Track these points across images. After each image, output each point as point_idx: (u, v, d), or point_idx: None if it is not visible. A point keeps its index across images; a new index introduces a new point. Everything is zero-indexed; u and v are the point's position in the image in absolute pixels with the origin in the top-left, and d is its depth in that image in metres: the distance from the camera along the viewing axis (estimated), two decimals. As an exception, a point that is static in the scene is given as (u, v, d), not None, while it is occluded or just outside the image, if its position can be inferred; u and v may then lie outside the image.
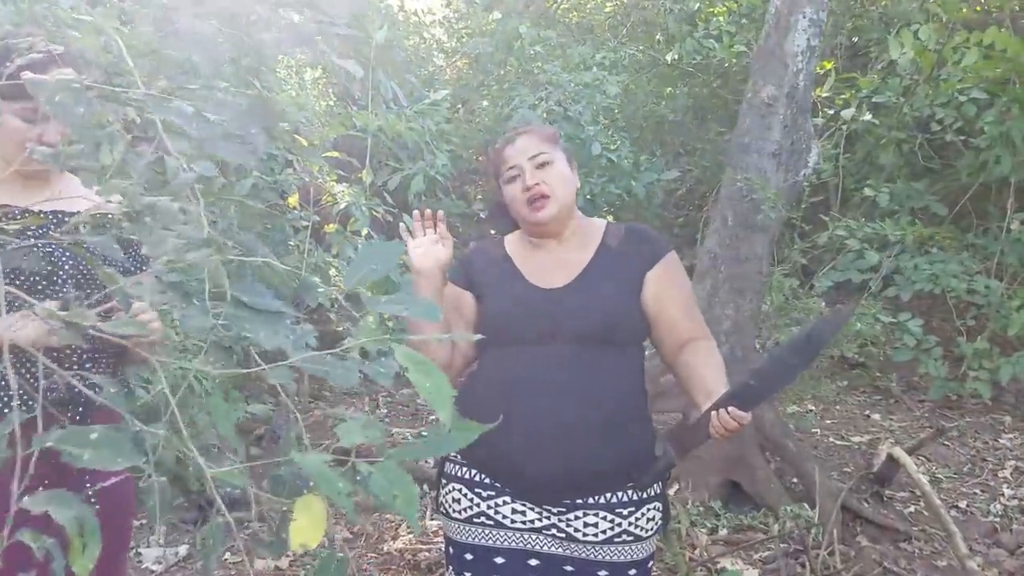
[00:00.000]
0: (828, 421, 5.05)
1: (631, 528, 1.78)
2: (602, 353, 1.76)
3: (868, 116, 5.97)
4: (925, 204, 6.17)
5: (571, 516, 1.77)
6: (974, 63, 5.23)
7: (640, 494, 1.79)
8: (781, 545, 3.42)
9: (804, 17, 4.37)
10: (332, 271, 4.74)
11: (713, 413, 1.63)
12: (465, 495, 1.84)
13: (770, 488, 3.85)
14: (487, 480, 1.82)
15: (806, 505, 3.67)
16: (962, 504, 3.95)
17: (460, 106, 7.81)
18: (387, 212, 5.07)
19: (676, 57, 6.93)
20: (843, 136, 6.13)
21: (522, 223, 1.90)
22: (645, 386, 1.86)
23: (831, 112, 6.32)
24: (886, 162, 6.17)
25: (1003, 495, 4.01)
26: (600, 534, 1.76)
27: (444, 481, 1.90)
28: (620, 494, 1.77)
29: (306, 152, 4.91)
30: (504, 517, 1.80)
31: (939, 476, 4.21)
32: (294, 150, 5.17)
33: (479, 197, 6.91)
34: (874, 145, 6.33)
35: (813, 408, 5.24)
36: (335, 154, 4.93)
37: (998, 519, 3.83)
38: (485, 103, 6.92)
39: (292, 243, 5.23)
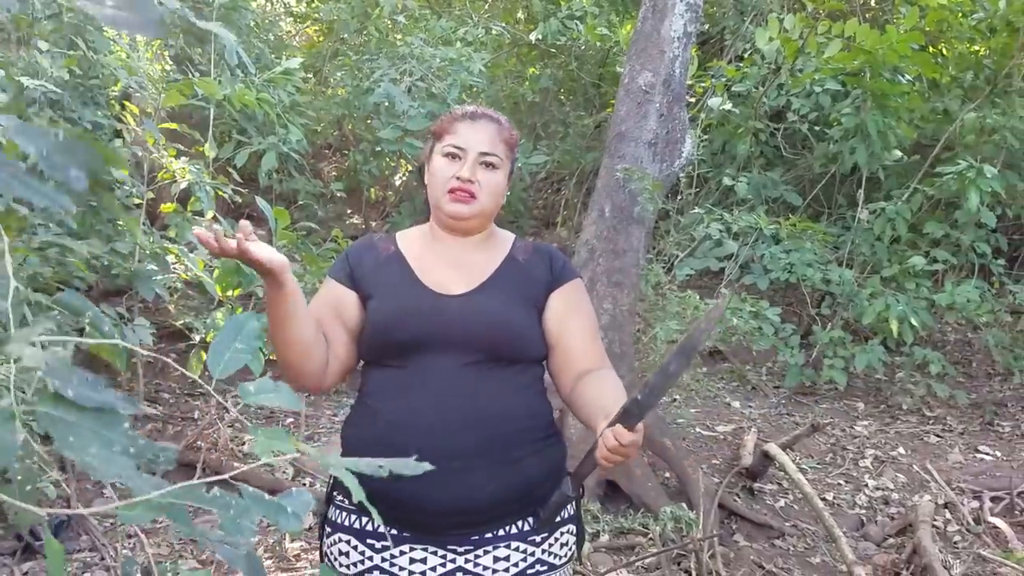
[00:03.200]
0: (692, 410, 5.04)
1: (545, 557, 1.60)
2: (504, 369, 1.57)
3: (729, 105, 6.00)
4: (779, 194, 6.30)
5: (479, 552, 1.55)
6: (835, 54, 5.33)
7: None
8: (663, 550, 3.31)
9: (681, 1, 4.26)
10: (171, 257, 4.24)
11: (599, 438, 1.42)
12: (355, 547, 1.57)
13: (647, 487, 3.75)
14: (380, 529, 1.55)
15: (684, 505, 3.59)
16: (829, 496, 4.00)
17: (311, 76, 7.32)
18: (235, 191, 4.60)
19: (540, 37, 6.73)
20: (701, 125, 6.15)
21: (433, 206, 1.67)
22: (550, 403, 1.67)
23: (691, 100, 6.33)
24: (742, 151, 6.25)
25: (867, 486, 4.09)
26: (512, 567, 1.56)
27: (329, 529, 1.63)
28: (532, 520, 1.59)
29: (141, 122, 4.36)
30: (401, 569, 1.54)
31: (804, 467, 4.25)
32: (123, 118, 4.60)
33: (334, 175, 6.49)
34: (731, 134, 6.40)
35: (678, 398, 5.23)
36: (174, 125, 4.40)
37: (864, 511, 3.91)
38: (340, 74, 6.48)
39: (121, 223, 4.66)
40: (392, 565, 1.54)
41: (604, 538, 3.45)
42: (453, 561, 1.54)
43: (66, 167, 0.85)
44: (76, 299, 0.97)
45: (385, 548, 1.55)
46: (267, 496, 0.72)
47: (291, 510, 0.72)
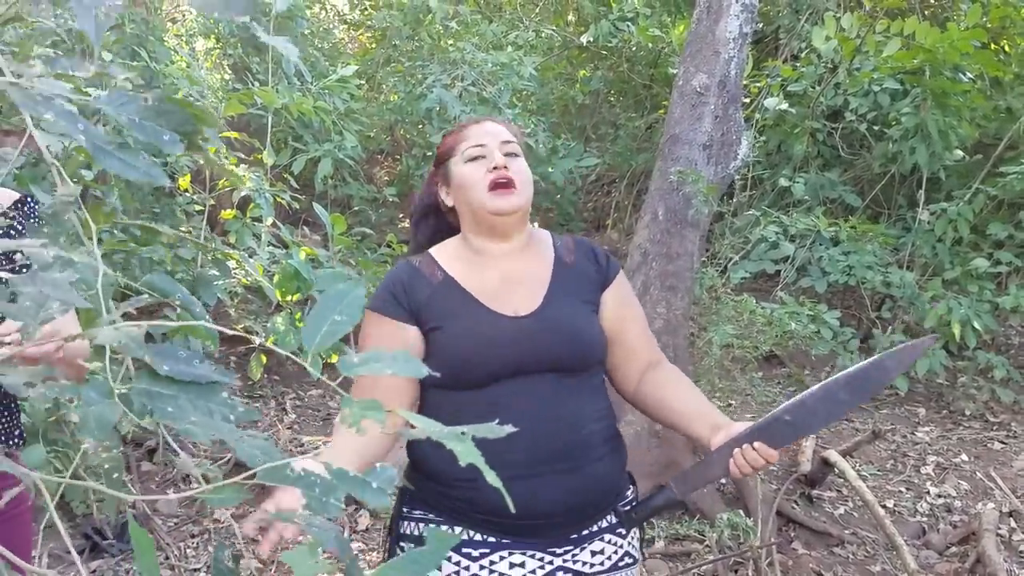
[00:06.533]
0: (748, 415, 4.99)
1: (631, 550, 1.64)
2: (577, 375, 1.60)
3: (785, 105, 5.92)
4: (838, 195, 6.20)
5: (576, 550, 1.58)
6: (894, 53, 5.23)
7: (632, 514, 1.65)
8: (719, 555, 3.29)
9: (736, 1, 4.23)
10: (232, 262, 4.32)
11: (737, 450, 1.47)
12: (449, 559, 1.54)
13: (703, 493, 3.72)
14: (478, 536, 1.55)
15: (741, 512, 3.55)
16: (889, 503, 3.93)
17: (364, 82, 7.41)
18: (293, 198, 4.68)
19: (591, 39, 6.72)
20: (755, 125, 6.06)
21: (474, 214, 1.62)
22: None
23: (746, 101, 6.25)
24: (798, 152, 6.15)
25: (928, 493, 4.01)
26: (607, 561, 1.60)
27: (411, 545, 1.61)
28: (613, 516, 1.63)
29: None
30: (502, 575, 1.55)
31: (864, 474, 4.17)
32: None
33: (386, 180, 6.57)
34: (787, 134, 6.30)
35: (733, 403, 5.17)
36: (235, 134, 4.50)
37: (925, 519, 3.82)
38: (393, 80, 6.55)
39: (184, 229, 4.79)
40: (492, 572, 1.54)
41: (659, 544, 3.44)
42: (551, 563, 1.56)
43: (159, 131, 0.86)
44: (165, 281, 1.00)
45: (484, 555, 1.54)
46: (351, 473, 0.73)
47: (376, 485, 0.73)
